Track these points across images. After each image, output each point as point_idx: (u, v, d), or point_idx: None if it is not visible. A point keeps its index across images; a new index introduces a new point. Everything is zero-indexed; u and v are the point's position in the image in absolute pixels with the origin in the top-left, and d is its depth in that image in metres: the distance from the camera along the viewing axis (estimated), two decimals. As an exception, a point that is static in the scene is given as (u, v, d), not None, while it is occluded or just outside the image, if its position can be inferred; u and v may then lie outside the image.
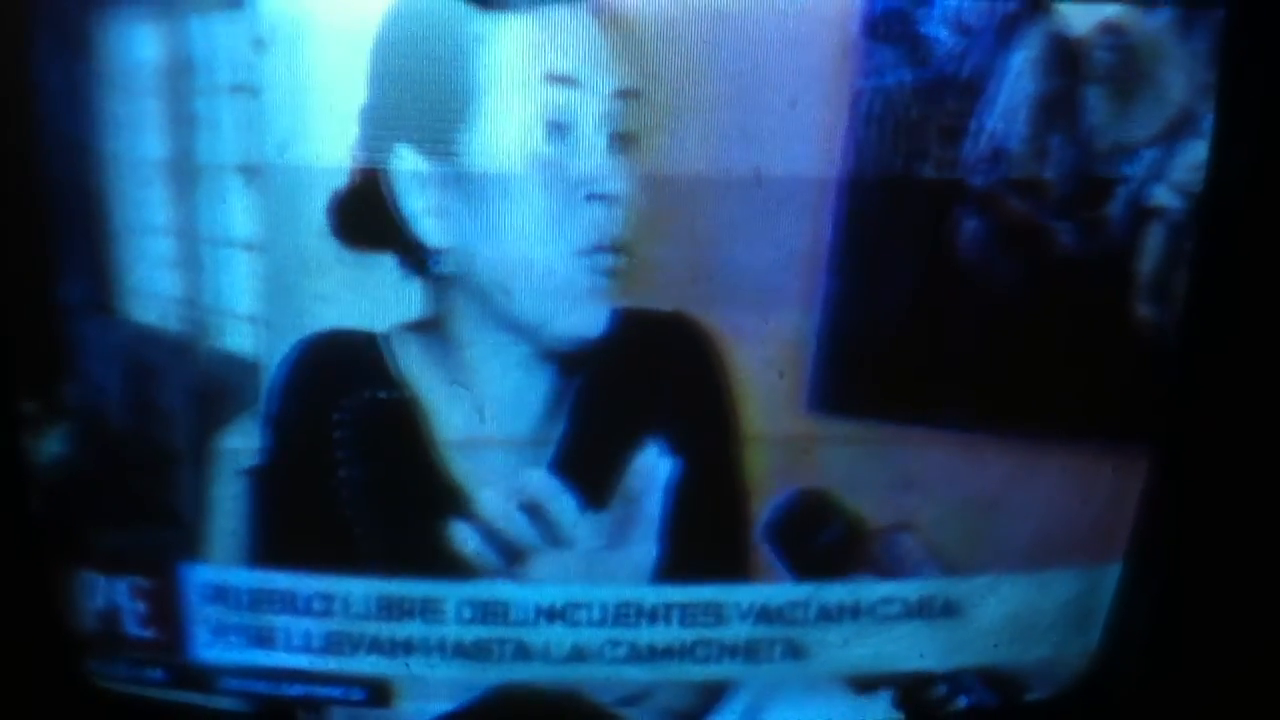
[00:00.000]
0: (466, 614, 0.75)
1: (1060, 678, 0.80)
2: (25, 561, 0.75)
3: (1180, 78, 0.69)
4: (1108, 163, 0.70)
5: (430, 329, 0.71)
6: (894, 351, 0.72)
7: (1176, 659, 0.79)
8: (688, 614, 0.75)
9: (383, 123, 0.67)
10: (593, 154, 0.67)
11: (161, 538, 0.74)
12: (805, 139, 0.67)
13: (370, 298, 0.69)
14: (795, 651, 0.77)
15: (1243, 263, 0.72)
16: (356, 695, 0.77)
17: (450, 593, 0.74)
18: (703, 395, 0.72)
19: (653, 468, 0.73)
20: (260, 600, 0.75)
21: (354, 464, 0.72)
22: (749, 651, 0.76)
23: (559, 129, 0.67)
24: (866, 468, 0.73)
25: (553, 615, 0.75)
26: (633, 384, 0.72)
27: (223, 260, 0.69)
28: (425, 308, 0.71)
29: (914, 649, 0.78)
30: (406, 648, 0.75)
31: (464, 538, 0.73)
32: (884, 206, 0.69)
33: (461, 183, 0.67)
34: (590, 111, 0.67)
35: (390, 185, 0.68)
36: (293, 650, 0.76)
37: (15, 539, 0.75)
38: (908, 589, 0.76)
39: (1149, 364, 0.73)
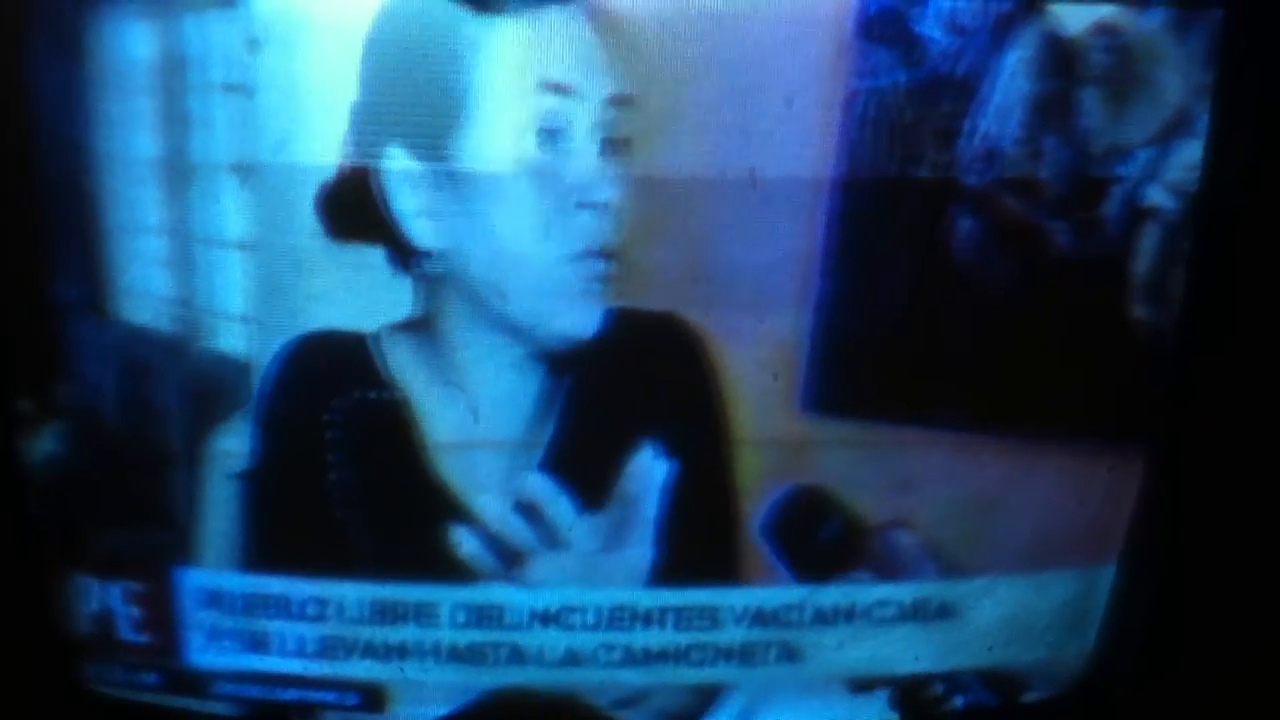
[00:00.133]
0: (461, 618, 0.74)
1: (1057, 679, 0.79)
2: (21, 564, 0.75)
3: (1175, 78, 0.69)
4: (1103, 163, 0.70)
5: (422, 329, 0.71)
6: (889, 352, 0.72)
7: (1173, 660, 0.79)
8: (683, 617, 0.75)
9: (376, 123, 0.66)
10: (585, 162, 0.67)
11: (156, 540, 0.74)
12: (800, 140, 0.67)
13: (363, 298, 0.69)
14: (790, 654, 0.76)
15: (1238, 263, 0.72)
16: (351, 700, 0.77)
17: (445, 597, 0.74)
18: (696, 397, 0.72)
19: (648, 470, 0.73)
20: (254, 605, 0.74)
21: (345, 466, 0.72)
22: (744, 654, 0.76)
23: (551, 136, 0.67)
24: (862, 469, 0.73)
25: (547, 619, 0.75)
26: (626, 385, 0.72)
27: (216, 260, 0.69)
28: (417, 308, 0.70)
29: (909, 651, 0.77)
30: (401, 652, 0.75)
31: (461, 540, 0.73)
32: (879, 207, 0.69)
33: (453, 185, 0.67)
34: (583, 119, 0.67)
35: (382, 185, 0.67)
36: (287, 655, 0.75)
37: (11, 541, 0.74)
38: (903, 591, 0.76)
39: (1145, 364, 0.73)
